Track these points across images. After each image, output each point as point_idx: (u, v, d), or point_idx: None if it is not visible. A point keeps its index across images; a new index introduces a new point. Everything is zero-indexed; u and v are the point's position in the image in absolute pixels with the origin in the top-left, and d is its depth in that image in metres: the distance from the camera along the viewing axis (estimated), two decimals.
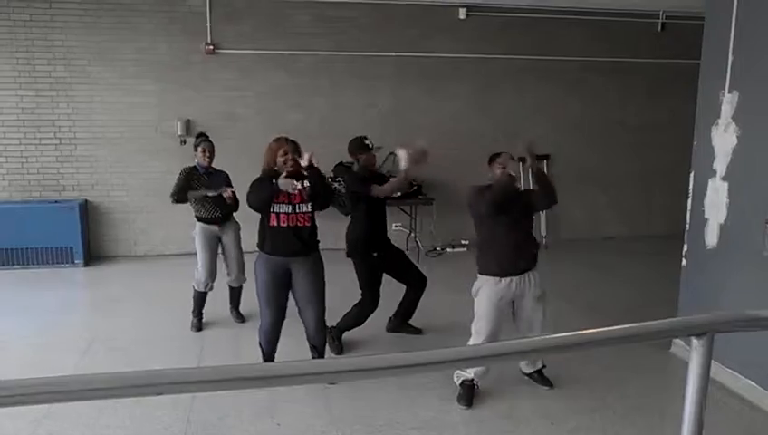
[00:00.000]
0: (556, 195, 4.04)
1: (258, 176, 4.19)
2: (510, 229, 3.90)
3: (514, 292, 3.94)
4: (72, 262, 7.07)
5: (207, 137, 5.30)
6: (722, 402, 3.99)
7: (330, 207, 4.43)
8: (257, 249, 4.22)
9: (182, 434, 3.60)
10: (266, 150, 4.19)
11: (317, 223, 4.26)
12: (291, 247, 4.09)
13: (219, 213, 5.15)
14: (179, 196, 5.07)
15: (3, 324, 5.30)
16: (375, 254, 4.77)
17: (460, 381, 4.00)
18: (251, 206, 4.10)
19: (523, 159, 4.00)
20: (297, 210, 4.10)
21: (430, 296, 5.17)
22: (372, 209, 4.78)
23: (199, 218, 5.21)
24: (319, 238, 4.30)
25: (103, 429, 3.63)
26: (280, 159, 4.08)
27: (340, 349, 4.80)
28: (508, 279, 3.90)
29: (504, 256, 3.89)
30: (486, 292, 3.91)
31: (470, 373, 3.95)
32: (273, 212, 4.06)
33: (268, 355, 4.32)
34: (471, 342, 3.90)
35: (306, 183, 4.12)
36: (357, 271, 4.80)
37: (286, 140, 4.19)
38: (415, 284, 5.02)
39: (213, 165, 5.20)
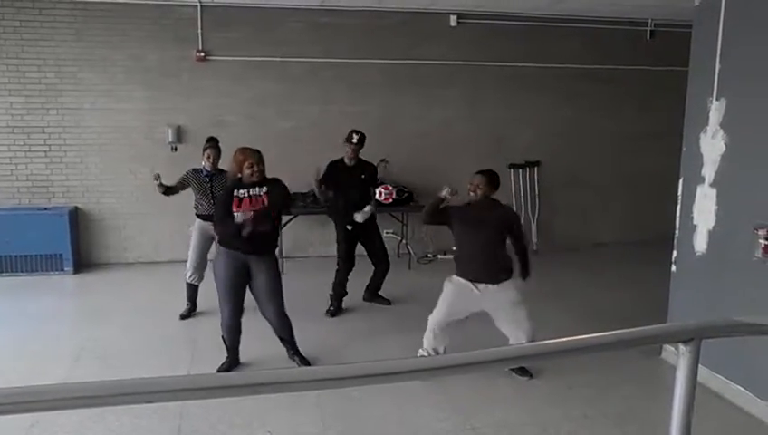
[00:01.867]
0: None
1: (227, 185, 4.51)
2: (473, 245, 4.34)
3: (480, 298, 4.30)
4: (62, 269, 7.03)
5: (216, 142, 5.60)
6: (711, 407, 4.01)
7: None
8: None
9: None
10: (232, 159, 4.42)
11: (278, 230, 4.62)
12: (250, 246, 4.29)
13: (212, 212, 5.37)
14: (168, 191, 5.50)
15: None
16: (349, 228, 5.72)
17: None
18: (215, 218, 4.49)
19: (475, 191, 4.37)
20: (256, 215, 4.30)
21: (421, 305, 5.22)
22: (340, 193, 5.72)
23: (197, 215, 5.57)
24: (277, 242, 4.65)
25: None
26: (247, 171, 4.30)
27: (332, 313, 5.76)
28: (471, 284, 4.33)
29: (468, 265, 4.36)
30: (450, 284, 4.43)
31: (424, 351, 4.44)
32: (236, 220, 4.27)
33: (232, 347, 4.56)
34: (431, 315, 4.43)
35: (265, 189, 4.35)
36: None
37: (251, 151, 4.38)
38: (377, 264, 5.95)
39: (220, 166, 5.52)
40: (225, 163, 5.46)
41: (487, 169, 4.44)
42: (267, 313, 4.49)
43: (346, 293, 5.88)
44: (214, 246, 5.45)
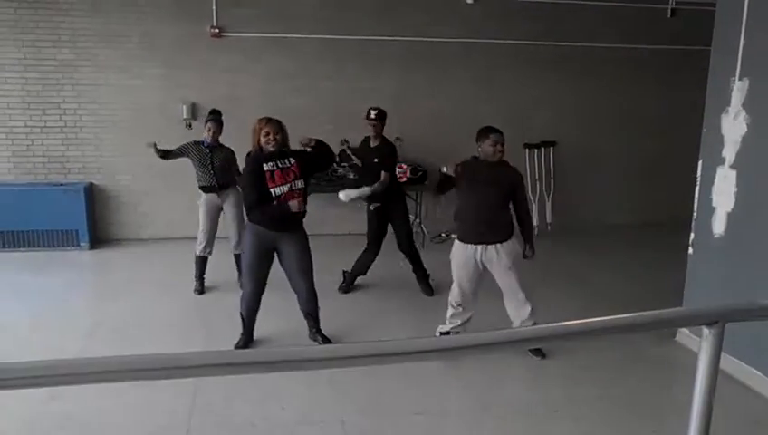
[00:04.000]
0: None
1: (249, 155, 4.45)
2: (479, 203, 4.30)
3: (481, 259, 4.32)
4: (78, 245, 7.09)
5: (218, 115, 5.65)
6: (724, 390, 3.97)
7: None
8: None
9: (187, 417, 3.62)
10: (251, 130, 4.37)
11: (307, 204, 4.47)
12: (281, 223, 4.33)
13: (215, 182, 5.55)
14: (166, 155, 5.58)
15: (8, 306, 5.32)
16: (371, 208, 5.62)
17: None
18: (245, 201, 4.43)
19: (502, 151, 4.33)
20: (293, 187, 4.30)
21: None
22: (365, 170, 5.68)
23: (201, 187, 5.63)
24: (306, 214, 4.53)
25: (108, 412, 3.65)
26: (263, 139, 4.27)
27: (346, 289, 5.76)
28: (473, 247, 4.32)
29: (471, 225, 4.33)
30: (456, 255, 4.42)
31: (446, 327, 4.52)
32: (275, 196, 4.25)
33: (248, 324, 4.57)
34: (451, 289, 4.49)
35: (293, 160, 4.33)
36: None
37: (268, 120, 4.34)
38: (401, 245, 5.77)
39: (221, 141, 5.61)
40: (226, 140, 5.66)
41: (496, 128, 4.35)
42: (298, 287, 4.51)
43: (365, 273, 5.81)
44: (222, 219, 5.70)
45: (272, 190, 4.23)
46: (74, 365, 1.14)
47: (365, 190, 5.52)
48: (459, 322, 4.44)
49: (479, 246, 4.31)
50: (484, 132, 4.32)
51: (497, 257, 4.30)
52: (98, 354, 1.16)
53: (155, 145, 5.52)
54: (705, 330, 1.35)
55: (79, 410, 3.64)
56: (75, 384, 1.14)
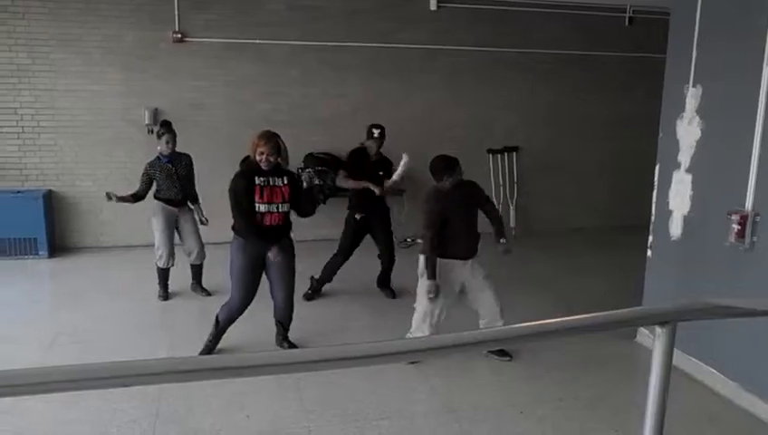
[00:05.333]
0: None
1: (244, 161, 4.38)
2: (461, 225, 4.36)
3: (462, 273, 4.38)
4: (37, 253, 6.91)
5: (170, 126, 5.58)
6: (683, 388, 4.09)
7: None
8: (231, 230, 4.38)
9: (151, 427, 3.56)
10: (251, 143, 4.29)
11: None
12: (267, 238, 4.29)
13: (180, 195, 5.54)
14: (137, 196, 5.51)
15: None
16: (356, 217, 5.67)
17: None
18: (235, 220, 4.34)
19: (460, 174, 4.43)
20: (278, 210, 4.29)
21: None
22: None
23: (158, 198, 5.57)
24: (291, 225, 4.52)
25: (69, 423, 3.57)
26: (257, 157, 4.21)
27: (310, 296, 5.75)
28: (456, 262, 4.38)
29: (456, 246, 4.35)
30: (441, 279, 4.34)
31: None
32: (259, 212, 4.24)
33: (222, 330, 4.53)
34: (420, 328, 4.42)
35: (286, 180, 4.30)
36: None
37: (267, 139, 4.21)
38: (382, 255, 5.86)
39: (176, 149, 5.54)
40: (191, 148, 5.68)
41: (450, 162, 4.38)
42: (277, 296, 4.50)
43: (331, 280, 5.84)
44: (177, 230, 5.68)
45: (257, 205, 4.21)
46: (31, 375, 1.12)
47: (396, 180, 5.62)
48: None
49: (459, 262, 4.37)
50: (442, 170, 4.33)
51: (472, 270, 4.40)
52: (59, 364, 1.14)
53: (115, 196, 5.35)
54: (658, 329, 1.40)
55: (36, 423, 3.55)
56: (33, 394, 1.13)
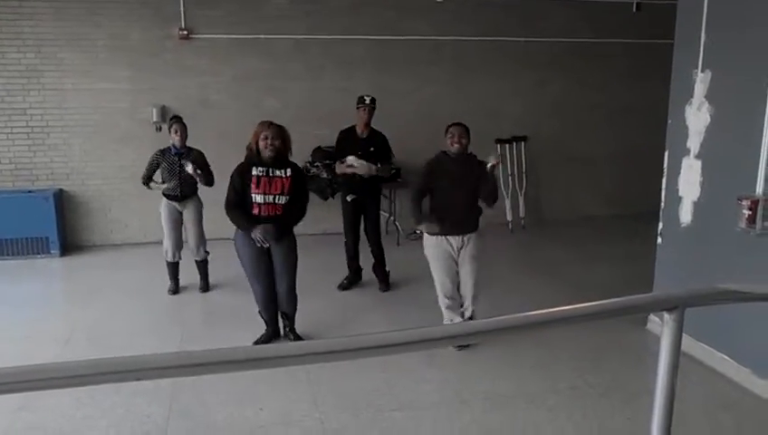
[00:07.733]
0: (495, 200, 4.60)
1: (238, 166, 4.37)
2: (454, 199, 4.42)
3: (456, 249, 4.46)
4: (48, 252, 6.98)
5: (181, 118, 5.63)
6: (695, 374, 4.08)
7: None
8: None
9: (164, 421, 3.60)
10: (252, 132, 4.34)
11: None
12: (254, 224, 4.32)
13: (179, 191, 5.57)
14: (146, 182, 5.61)
15: None
16: (348, 199, 5.63)
17: None
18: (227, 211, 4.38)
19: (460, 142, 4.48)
20: (275, 201, 4.30)
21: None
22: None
23: (164, 195, 5.64)
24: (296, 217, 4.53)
25: (83, 419, 3.61)
26: (261, 144, 4.24)
27: (344, 286, 5.82)
28: (445, 239, 4.45)
29: (447, 219, 4.39)
30: (433, 252, 4.51)
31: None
32: (255, 202, 4.27)
33: (270, 322, 4.62)
34: (437, 290, 4.56)
35: (289, 172, 4.31)
36: None
37: (270, 124, 4.29)
38: (367, 233, 5.79)
39: (188, 144, 5.56)
40: (198, 143, 5.68)
41: (459, 122, 4.54)
42: (280, 287, 4.54)
43: (358, 265, 5.87)
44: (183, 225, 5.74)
45: (253, 195, 4.24)
46: (47, 370, 1.14)
47: (372, 167, 5.46)
48: (458, 317, 4.48)
49: (454, 238, 4.45)
50: (446, 128, 4.51)
51: (465, 245, 4.48)
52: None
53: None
54: (666, 315, 1.40)
55: (51, 419, 3.59)
56: (48, 389, 1.14)
